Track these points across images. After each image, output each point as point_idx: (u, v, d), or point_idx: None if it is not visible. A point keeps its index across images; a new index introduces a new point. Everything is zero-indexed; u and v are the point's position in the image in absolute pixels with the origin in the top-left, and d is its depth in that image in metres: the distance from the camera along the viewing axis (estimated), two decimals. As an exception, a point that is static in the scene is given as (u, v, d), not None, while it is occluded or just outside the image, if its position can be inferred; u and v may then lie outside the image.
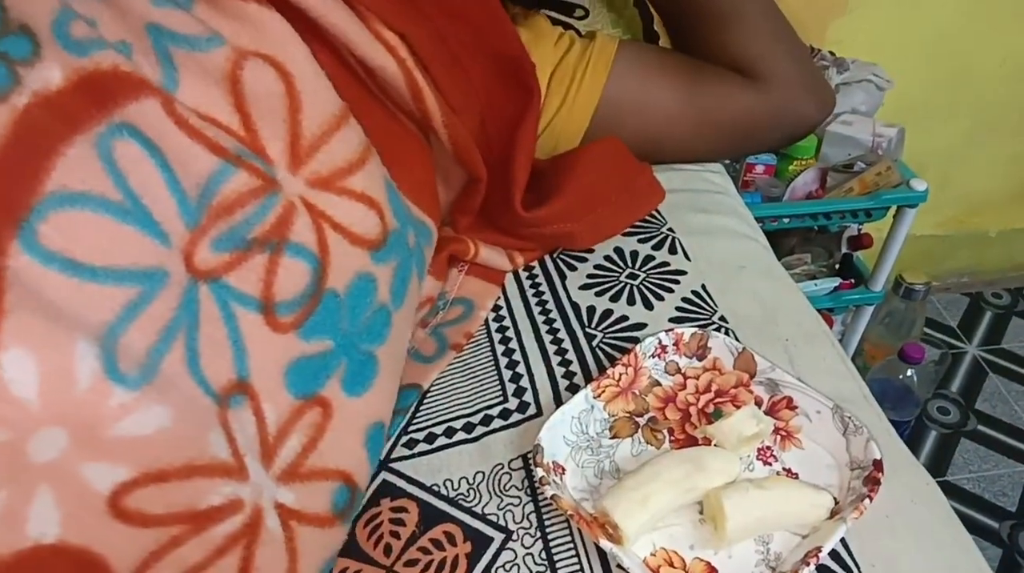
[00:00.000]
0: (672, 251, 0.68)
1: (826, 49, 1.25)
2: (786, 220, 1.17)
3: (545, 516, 0.49)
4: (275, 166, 0.44)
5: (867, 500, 0.45)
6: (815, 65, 0.88)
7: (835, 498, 0.48)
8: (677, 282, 0.65)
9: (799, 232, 1.28)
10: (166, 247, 0.39)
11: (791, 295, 0.66)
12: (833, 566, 0.45)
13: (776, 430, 0.52)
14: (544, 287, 0.66)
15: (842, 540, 0.46)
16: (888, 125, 1.18)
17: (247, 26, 0.44)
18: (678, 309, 0.62)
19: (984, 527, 1.27)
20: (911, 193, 1.15)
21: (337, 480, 0.45)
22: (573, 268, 0.67)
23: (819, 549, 0.43)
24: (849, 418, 0.50)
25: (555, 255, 0.69)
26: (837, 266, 1.30)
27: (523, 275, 0.68)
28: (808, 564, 0.43)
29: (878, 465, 0.47)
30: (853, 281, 1.30)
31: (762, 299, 0.64)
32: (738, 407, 0.53)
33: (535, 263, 0.69)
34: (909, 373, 1.20)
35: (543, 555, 0.47)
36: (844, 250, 1.32)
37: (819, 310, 1.24)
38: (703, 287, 0.64)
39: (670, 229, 0.70)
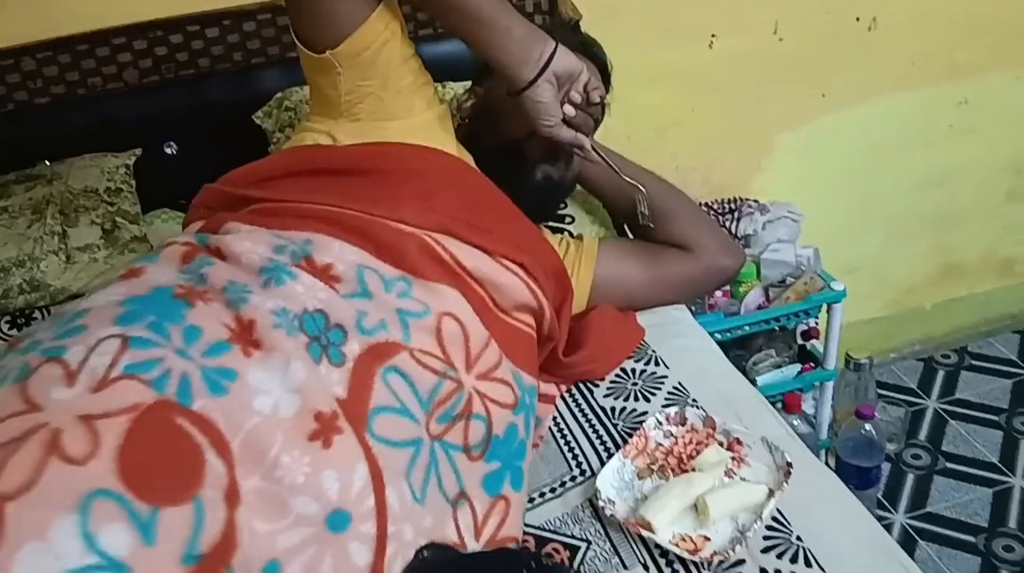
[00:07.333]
0: (656, 364, 1.06)
1: (751, 199, 1.69)
2: (747, 328, 1.57)
3: (608, 529, 0.84)
4: (459, 371, 0.81)
5: (784, 484, 0.82)
6: (728, 234, 1.30)
7: (770, 489, 0.83)
8: (663, 383, 1.03)
9: (762, 334, 1.66)
10: (417, 425, 0.75)
11: (736, 381, 1.03)
12: (779, 528, 0.80)
13: (732, 458, 0.89)
14: (581, 400, 1.03)
15: (780, 512, 0.81)
16: (805, 246, 1.60)
17: (440, 297, 0.84)
18: (666, 399, 1.00)
19: (964, 542, 1.57)
20: (832, 293, 1.55)
21: (514, 543, 0.80)
22: (596, 385, 1.05)
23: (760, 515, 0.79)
24: (774, 444, 0.87)
25: (584, 380, 1.07)
26: (797, 355, 1.67)
27: (566, 395, 1.05)
28: (756, 524, 0.78)
29: (790, 465, 0.84)
30: (813, 364, 1.67)
31: (718, 386, 1.01)
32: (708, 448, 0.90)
33: (572, 386, 1.07)
34: (868, 427, 1.55)
35: (610, 549, 0.82)
36: (799, 342, 1.70)
37: (790, 391, 1.59)
38: (680, 383, 1.02)
39: (653, 350, 1.09)
